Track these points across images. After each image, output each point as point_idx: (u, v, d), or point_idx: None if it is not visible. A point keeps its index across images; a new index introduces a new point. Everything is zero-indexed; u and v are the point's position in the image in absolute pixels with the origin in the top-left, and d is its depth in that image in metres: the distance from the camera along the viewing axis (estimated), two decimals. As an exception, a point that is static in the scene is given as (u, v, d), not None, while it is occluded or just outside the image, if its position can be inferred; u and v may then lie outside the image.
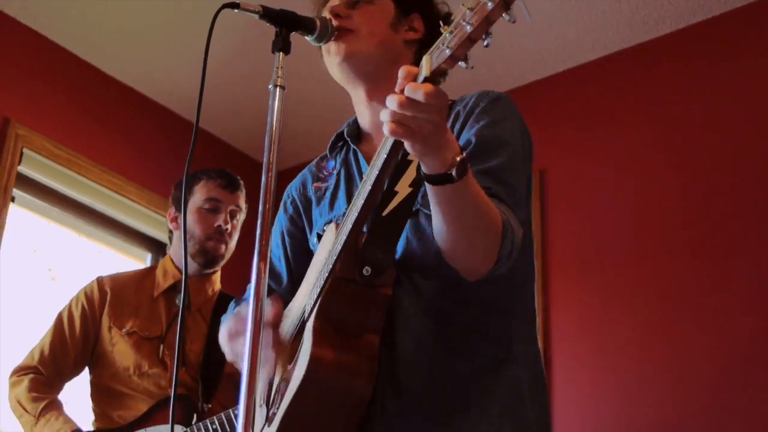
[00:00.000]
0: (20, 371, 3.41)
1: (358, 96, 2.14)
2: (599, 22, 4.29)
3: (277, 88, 1.80)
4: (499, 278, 1.81)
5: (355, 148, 2.15)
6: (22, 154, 4.36)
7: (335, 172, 2.19)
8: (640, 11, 4.22)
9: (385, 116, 1.52)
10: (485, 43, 1.37)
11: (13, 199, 4.32)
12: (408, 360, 1.83)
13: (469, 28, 1.36)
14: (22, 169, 4.39)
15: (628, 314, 4.04)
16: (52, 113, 4.57)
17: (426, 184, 1.64)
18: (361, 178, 2.09)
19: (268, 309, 1.99)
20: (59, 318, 3.48)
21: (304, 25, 1.97)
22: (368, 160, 2.09)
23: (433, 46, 1.44)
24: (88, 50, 4.72)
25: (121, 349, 3.38)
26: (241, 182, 3.61)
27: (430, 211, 1.82)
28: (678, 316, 3.89)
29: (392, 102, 1.49)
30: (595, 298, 4.17)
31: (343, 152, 2.20)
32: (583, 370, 4.09)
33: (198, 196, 3.51)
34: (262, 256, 1.66)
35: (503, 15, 1.33)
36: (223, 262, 3.55)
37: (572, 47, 4.46)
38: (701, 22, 4.23)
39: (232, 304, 2.26)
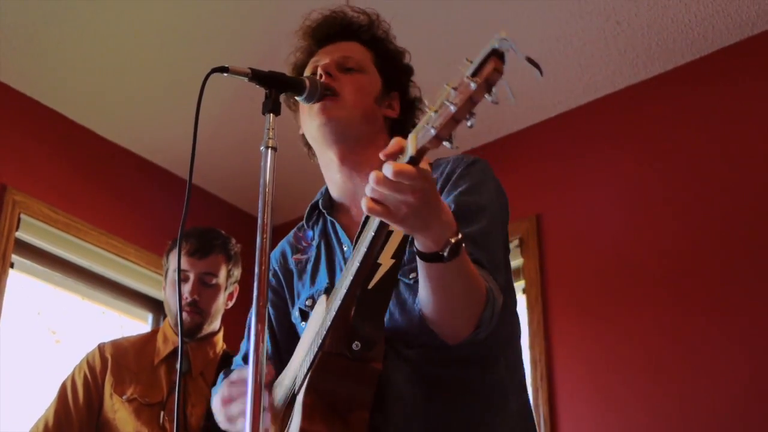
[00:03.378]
0: None
1: (329, 161, 2.13)
2: (588, 65, 4.32)
3: (269, 150, 1.81)
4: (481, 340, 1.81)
5: (332, 219, 2.15)
6: (19, 219, 4.37)
7: (314, 243, 2.18)
8: (629, 54, 4.25)
9: (366, 191, 1.51)
10: (469, 124, 1.35)
11: (12, 265, 4.32)
12: (402, 427, 1.82)
13: (453, 109, 1.33)
14: (20, 234, 4.40)
15: (631, 358, 4.02)
16: (48, 178, 4.59)
17: (417, 259, 1.64)
18: (341, 248, 2.10)
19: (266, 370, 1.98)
20: (63, 387, 3.45)
21: (294, 86, 1.99)
22: (346, 230, 2.10)
23: (419, 125, 1.42)
24: (82, 114, 4.75)
25: (122, 417, 3.35)
26: (221, 242, 3.54)
27: (408, 280, 1.86)
28: (682, 360, 3.88)
29: (371, 177, 1.48)
30: (596, 340, 4.16)
31: (321, 223, 2.20)
32: (588, 417, 4.07)
33: (171, 266, 3.51)
34: (260, 318, 1.65)
35: (486, 96, 1.31)
36: (212, 327, 3.51)
37: (562, 92, 4.49)
38: (690, 62, 4.27)
39: (221, 376, 2.25)
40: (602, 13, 4.03)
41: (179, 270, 2.15)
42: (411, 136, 1.44)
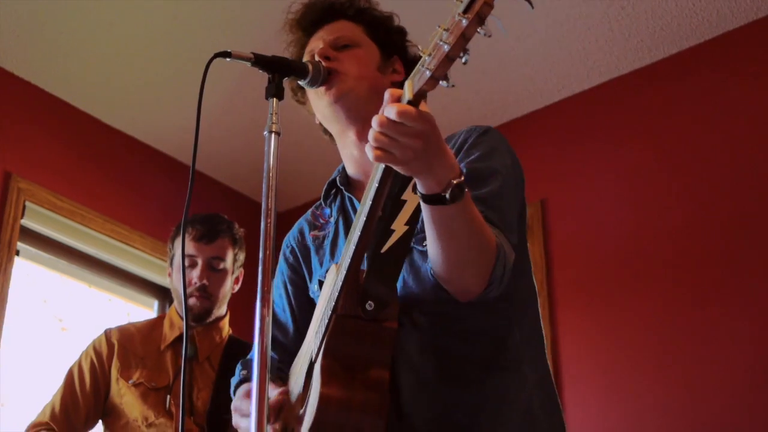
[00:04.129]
0: (34, 428, 3.40)
1: (347, 139, 2.13)
2: (592, 50, 4.32)
3: (272, 134, 1.81)
4: (493, 302, 1.81)
5: (350, 195, 2.16)
6: (24, 207, 4.38)
7: (332, 220, 2.19)
8: (633, 38, 4.24)
9: (370, 139, 1.53)
10: (463, 60, 1.39)
11: (17, 253, 4.33)
12: (413, 397, 1.82)
13: (446, 48, 1.37)
14: (26, 222, 4.41)
15: (636, 341, 4.03)
16: (53, 165, 4.60)
17: (421, 201, 1.65)
18: None
19: (272, 394, 1.96)
20: (69, 373, 3.47)
21: (297, 69, 1.99)
22: None
23: (414, 70, 1.46)
24: (86, 101, 4.75)
25: (128, 401, 3.37)
26: (227, 227, 3.55)
27: (423, 247, 1.84)
28: (686, 340, 3.89)
29: (374, 121, 1.50)
30: (602, 326, 4.16)
31: (338, 200, 2.20)
32: (593, 399, 4.08)
33: (177, 253, 3.52)
34: (265, 302, 1.66)
35: (478, 30, 1.35)
36: (220, 311, 3.53)
37: (567, 77, 4.49)
38: (694, 46, 4.26)
39: (238, 367, 2.25)
40: (606, -3, 4.03)
41: (183, 255, 2.15)
42: (407, 82, 1.48)
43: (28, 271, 4.58)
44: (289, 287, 2.25)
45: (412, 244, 1.87)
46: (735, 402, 3.69)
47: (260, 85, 1.91)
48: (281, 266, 2.29)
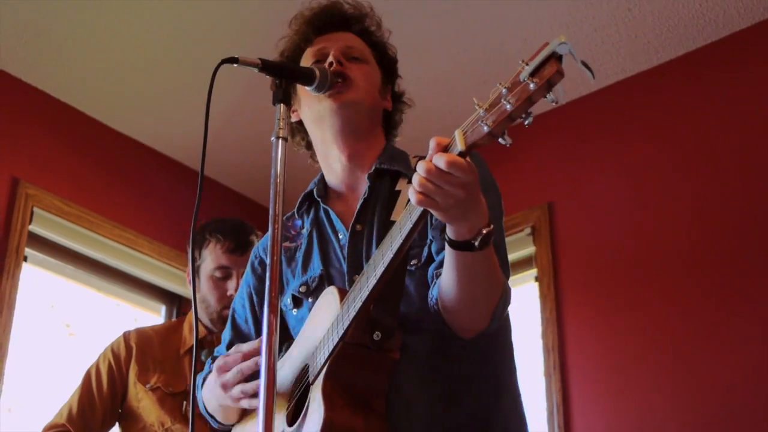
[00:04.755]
0: (50, 429, 3.39)
1: (332, 151, 2.14)
2: (599, 52, 4.31)
3: (280, 140, 1.81)
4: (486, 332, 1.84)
5: (326, 207, 2.16)
6: (32, 213, 4.38)
7: (305, 231, 2.19)
8: (640, 40, 4.23)
9: (414, 183, 1.54)
10: (526, 123, 1.40)
11: (25, 258, 4.34)
12: (401, 415, 1.84)
13: (509, 107, 1.39)
14: (33, 228, 4.40)
15: (644, 343, 4.02)
16: (60, 171, 4.60)
17: (446, 245, 1.67)
18: (335, 236, 2.11)
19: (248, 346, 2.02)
20: (87, 375, 3.46)
21: (304, 75, 2.00)
22: (341, 218, 2.11)
23: (468, 122, 1.48)
24: (93, 106, 4.75)
25: (145, 405, 3.37)
26: (254, 237, 3.55)
27: (411, 267, 1.89)
28: (697, 345, 3.87)
29: (421, 168, 1.52)
30: (609, 329, 4.15)
31: (312, 212, 2.21)
32: (600, 401, 4.07)
33: (208, 263, 3.47)
34: (273, 309, 1.67)
35: (546, 96, 1.36)
36: None
37: (574, 79, 4.48)
38: (701, 48, 4.25)
39: (208, 361, 2.25)
40: (613, -1, 4.02)
41: (192, 259, 2.14)
42: (458, 132, 1.49)
43: (36, 276, 4.58)
44: (255, 298, 2.25)
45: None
46: (744, 402, 3.68)
47: (269, 90, 1.91)
48: (247, 276, 2.30)
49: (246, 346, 2.04)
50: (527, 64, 1.37)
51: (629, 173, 4.33)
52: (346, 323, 1.78)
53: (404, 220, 1.65)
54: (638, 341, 4.04)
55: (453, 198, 1.54)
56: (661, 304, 4.02)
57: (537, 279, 4.43)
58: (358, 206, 2.07)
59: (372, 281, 1.73)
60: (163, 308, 5.11)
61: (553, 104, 1.38)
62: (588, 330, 4.22)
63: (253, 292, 2.26)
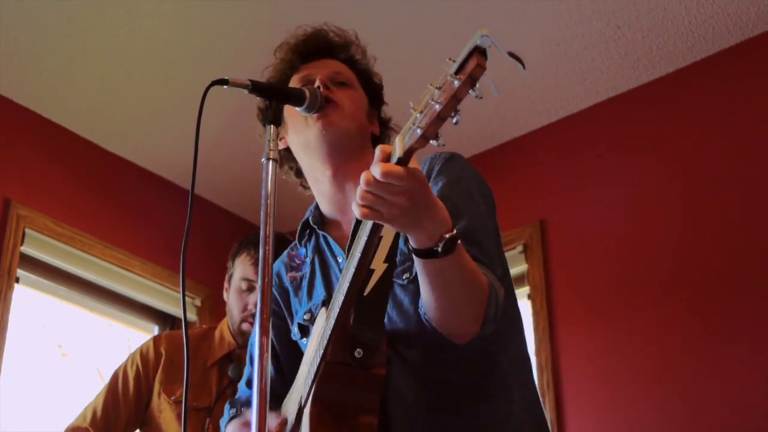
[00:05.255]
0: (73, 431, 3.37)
1: (321, 175, 2.14)
2: (590, 69, 4.32)
3: (270, 161, 1.81)
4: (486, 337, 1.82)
5: (324, 233, 2.17)
6: (24, 234, 4.37)
7: (308, 260, 2.20)
8: (629, 57, 4.25)
9: (357, 197, 1.54)
10: (454, 121, 1.37)
11: (17, 280, 4.33)
12: (405, 430, 1.82)
13: (437, 107, 1.36)
14: (25, 249, 4.39)
15: (637, 358, 4.02)
16: (52, 192, 4.59)
17: (413, 255, 1.66)
18: (335, 260, 2.12)
19: (272, 422, 1.97)
20: (114, 377, 3.43)
21: (294, 96, 2.00)
22: (339, 244, 2.12)
23: (405, 127, 1.45)
24: (85, 127, 4.75)
25: (167, 417, 3.34)
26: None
27: (402, 280, 1.88)
28: (689, 366, 3.86)
29: (361, 180, 1.51)
30: (602, 345, 4.15)
31: (313, 239, 2.21)
32: (594, 417, 4.07)
33: (237, 273, 3.46)
34: (264, 331, 1.66)
35: (470, 92, 1.33)
36: None
37: (565, 96, 4.50)
38: (691, 64, 4.26)
39: (227, 406, 2.25)
40: (602, 17, 4.03)
41: (183, 278, 2.11)
42: (398, 138, 1.47)
43: (28, 297, 4.57)
44: (272, 332, 2.22)
45: (392, 278, 1.87)
46: (735, 419, 3.67)
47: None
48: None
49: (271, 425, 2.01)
50: (453, 61, 1.34)
51: (621, 190, 4.34)
52: (324, 342, 1.78)
53: (360, 234, 1.65)
54: (632, 358, 4.03)
55: (396, 207, 1.52)
56: (654, 321, 4.02)
57: (530, 297, 4.43)
58: (352, 227, 2.07)
59: (340, 298, 1.73)
60: (156, 328, 5.09)
61: (479, 99, 1.34)
62: (581, 347, 4.22)
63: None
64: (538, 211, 4.56)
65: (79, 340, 4.87)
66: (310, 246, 2.21)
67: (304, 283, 2.17)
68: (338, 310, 1.74)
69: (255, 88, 1.91)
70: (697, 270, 3.98)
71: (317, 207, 2.22)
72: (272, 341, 2.22)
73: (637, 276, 4.15)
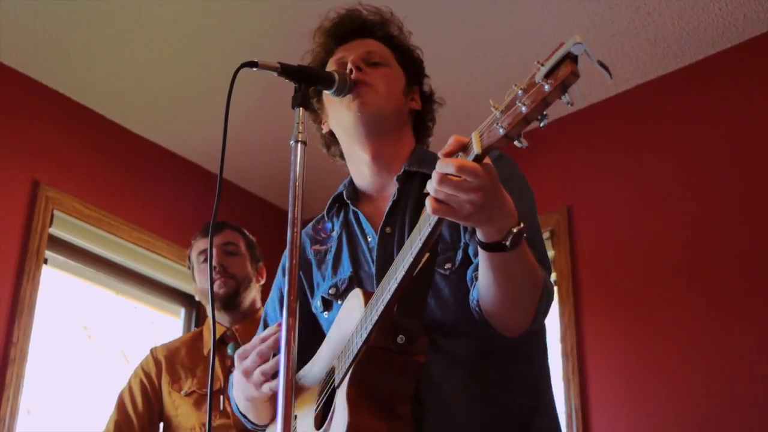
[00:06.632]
0: None
1: (360, 155, 2.14)
2: (618, 56, 4.30)
3: (299, 144, 1.81)
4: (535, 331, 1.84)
5: (355, 209, 2.17)
6: (52, 216, 4.40)
7: (335, 234, 2.20)
8: (659, 44, 4.22)
9: (429, 191, 1.53)
10: (541, 125, 1.38)
11: (45, 261, 4.36)
12: (439, 421, 1.83)
13: (524, 109, 1.36)
14: (54, 230, 4.43)
15: (662, 347, 4.00)
16: (80, 174, 4.62)
17: (479, 248, 1.66)
18: (364, 238, 2.11)
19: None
20: (120, 398, 3.51)
21: (323, 79, 2.01)
22: (370, 221, 2.12)
23: (483, 124, 1.45)
24: (114, 110, 4.78)
25: (183, 411, 3.41)
26: (232, 224, 3.71)
27: (444, 270, 1.88)
28: (714, 353, 3.85)
29: (434, 177, 1.51)
30: (628, 333, 4.14)
31: (342, 214, 2.21)
32: (619, 405, 4.06)
33: (193, 255, 3.69)
34: (292, 312, 1.67)
35: (561, 98, 1.34)
36: (251, 297, 3.60)
37: (592, 83, 4.47)
38: (721, 51, 4.23)
39: (231, 376, 2.26)
40: (632, 3, 4.00)
41: (210, 252, 2.13)
42: (474, 135, 1.47)
43: (56, 279, 4.61)
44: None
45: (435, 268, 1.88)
46: (759, 405, 3.66)
47: (288, 94, 1.92)
48: (278, 280, 2.32)
49: (264, 332, 2.05)
50: (542, 65, 1.35)
51: (649, 177, 4.32)
52: (369, 326, 1.78)
53: (423, 224, 1.64)
54: (657, 345, 4.02)
55: (470, 203, 1.52)
56: (681, 309, 4.01)
57: (556, 283, 4.42)
58: (387, 208, 2.07)
59: (393, 285, 1.72)
60: (182, 311, 5.12)
61: (569, 106, 1.36)
62: (607, 334, 4.21)
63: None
64: (565, 198, 4.54)
65: (104, 323, 4.90)
66: (339, 221, 2.21)
67: (329, 257, 2.17)
68: (389, 297, 1.73)
69: (284, 70, 1.91)
70: (724, 259, 3.96)
71: (351, 182, 2.22)
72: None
73: (662, 264, 4.13)
